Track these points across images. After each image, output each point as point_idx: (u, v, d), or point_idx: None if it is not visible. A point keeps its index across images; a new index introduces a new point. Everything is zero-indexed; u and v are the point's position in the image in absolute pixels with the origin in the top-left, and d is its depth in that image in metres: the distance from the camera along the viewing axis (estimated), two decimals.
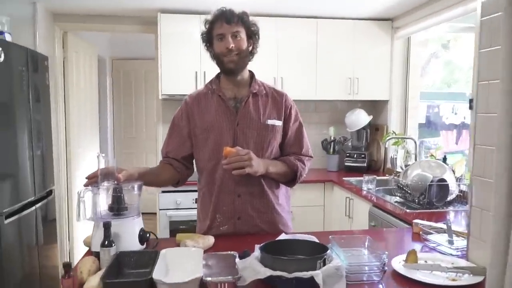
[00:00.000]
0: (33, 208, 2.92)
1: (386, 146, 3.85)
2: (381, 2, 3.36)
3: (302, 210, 3.56)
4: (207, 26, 1.80)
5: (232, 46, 1.72)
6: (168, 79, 3.63)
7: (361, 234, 1.93)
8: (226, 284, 1.29)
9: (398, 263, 1.55)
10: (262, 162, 1.74)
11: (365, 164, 3.95)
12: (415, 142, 3.38)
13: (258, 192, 1.83)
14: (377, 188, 3.12)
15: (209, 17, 1.80)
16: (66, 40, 3.99)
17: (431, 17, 3.30)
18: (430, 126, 4.66)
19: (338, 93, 3.90)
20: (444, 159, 2.97)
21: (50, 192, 3.27)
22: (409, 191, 2.67)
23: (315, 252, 1.44)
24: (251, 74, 1.90)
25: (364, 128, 4.01)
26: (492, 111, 1.48)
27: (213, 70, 1.91)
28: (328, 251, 1.46)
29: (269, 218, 1.87)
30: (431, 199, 2.56)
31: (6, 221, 2.55)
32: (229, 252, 1.50)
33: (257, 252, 1.47)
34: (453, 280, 1.44)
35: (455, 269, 1.50)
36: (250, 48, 1.82)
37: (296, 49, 3.80)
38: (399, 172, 3.03)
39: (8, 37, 2.86)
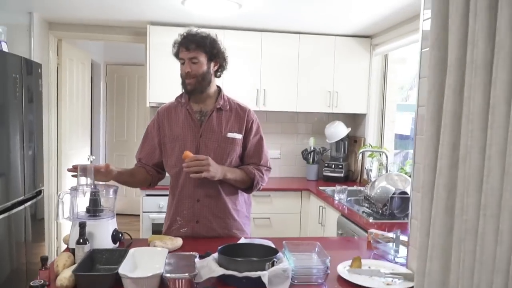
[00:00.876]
0: (23, 207, 3.10)
1: (360, 158, 4.05)
2: (360, 20, 3.55)
3: (280, 217, 3.75)
4: (174, 50, 2.00)
5: (188, 71, 1.93)
6: (155, 87, 3.81)
7: (317, 241, 2.10)
8: (183, 281, 1.47)
9: (343, 268, 1.74)
10: (220, 169, 1.92)
11: (342, 174, 4.14)
12: (386, 156, 3.57)
13: (216, 198, 2.01)
14: (348, 198, 3.31)
15: (175, 36, 1.99)
16: (60, 47, 4.18)
17: (407, 36, 3.50)
18: (413, 138, 4.83)
19: (318, 105, 4.09)
20: None
21: (39, 192, 3.45)
22: (373, 202, 2.86)
23: (267, 255, 1.63)
24: (219, 90, 2.09)
25: (342, 139, 4.20)
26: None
27: None
28: (279, 254, 1.65)
29: (225, 222, 2.04)
30: (393, 210, 2.75)
31: None
32: (191, 253, 1.68)
33: (216, 254, 1.66)
34: (388, 284, 1.63)
35: (391, 275, 1.69)
36: (216, 67, 2.01)
37: (279, 62, 3.99)
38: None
39: (4, 46, 3.03)
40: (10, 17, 3.52)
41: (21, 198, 3.07)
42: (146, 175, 2.10)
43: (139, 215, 3.70)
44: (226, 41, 3.89)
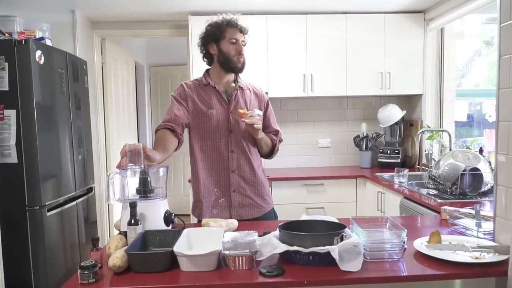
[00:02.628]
0: (74, 203, 3.08)
1: (419, 139, 3.77)
2: None
3: (334, 206, 3.55)
4: (218, 26, 2.10)
5: (242, 51, 2.12)
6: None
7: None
8: (244, 258, 1.33)
9: (420, 244, 1.54)
10: None
11: (399, 160, 3.88)
12: (449, 135, 3.30)
13: (248, 167, 2.16)
14: (409, 182, 3.06)
15: (215, 19, 2.13)
16: (104, 47, 4.19)
17: (464, 5, 3.23)
18: (472, 125, 4.50)
19: (369, 88, 3.87)
20: (481, 151, 2.88)
21: (90, 190, 3.44)
22: (440, 181, 2.61)
23: (333, 230, 1.45)
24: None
25: (397, 123, 3.94)
26: None
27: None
28: (346, 229, 1.47)
29: (257, 190, 2.19)
30: (464, 188, 2.49)
31: (49, 214, 2.71)
32: (249, 231, 1.54)
33: (276, 232, 1.50)
34: (476, 258, 1.42)
35: (479, 249, 1.47)
36: None
37: (326, 45, 3.81)
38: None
39: (48, 43, 3.04)
40: (54, 16, 3.55)
41: (72, 194, 3.06)
42: (174, 138, 2.03)
43: (189, 215, 3.60)
44: (270, 26, 3.78)
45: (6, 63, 2.56)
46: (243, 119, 1.98)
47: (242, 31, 2.12)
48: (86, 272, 1.25)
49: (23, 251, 2.62)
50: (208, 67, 2.22)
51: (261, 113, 2.16)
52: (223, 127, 2.10)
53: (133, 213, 1.53)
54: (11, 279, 2.56)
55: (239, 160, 2.13)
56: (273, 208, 2.30)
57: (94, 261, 1.29)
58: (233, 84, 2.19)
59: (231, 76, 2.19)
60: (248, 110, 2.05)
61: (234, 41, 2.09)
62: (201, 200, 2.12)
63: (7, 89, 2.57)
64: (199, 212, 2.14)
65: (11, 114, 2.58)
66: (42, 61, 2.70)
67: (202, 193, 2.12)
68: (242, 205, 2.14)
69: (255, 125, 2.00)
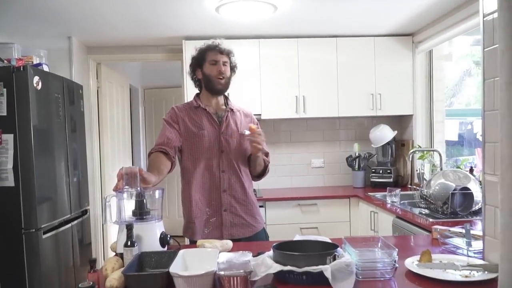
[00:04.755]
0: (69, 225, 3.09)
1: (410, 159, 3.83)
2: (400, 17, 3.41)
3: (328, 225, 3.58)
4: (200, 51, 2.21)
5: (223, 71, 2.16)
6: None
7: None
8: (238, 278, 1.35)
9: (411, 263, 1.57)
10: None
11: (391, 180, 3.93)
12: (440, 155, 3.36)
13: (239, 187, 2.20)
14: (402, 202, 3.11)
15: (201, 45, 2.23)
16: (99, 71, 4.26)
17: (452, 28, 3.34)
18: (463, 144, 4.57)
19: (361, 109, 3.94)
20: (471, 170, 2.93)
21: (85, 212, 3.45)
22: (432, 201, 2.65)
23: (326, 250, 1.48)
24: (225, 96, 2.32)
25: (389, 143, 4.01)
26: (498, 107, 1.51)
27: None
28: (339, 249, 1.51)
29: (248, 209, 2.23)
30: (455, 208, 2.53)
31: (44, 236, 2.72)
32: (243, 251, 1.56)
33: (270, 252, 1.53)
34: (466, 277, 1.45)
35: (469, 267, 1.51)
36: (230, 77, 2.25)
37: (317, 67, 3.90)
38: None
39: (46, 68, 3.10)
40: (50, 42, 3.62)
41: (67, 216, 3.07)
42: (167, 161, 2.07)
43: (183, 237, 3.60)
44: (262, 50, 3.87)
45: (5, 89, 2.61)
46: (249, 136, 2.06)
47: (222, 52, 2.18)
48: None
49: (19, 273, 2.62)
50: (198, 91, 2.30)
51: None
52: (214, 148, 2.15)
53: (129, 235, 1.56)
54: None
55: (230, 180, 2.17)
56: (264, 228, 2.33)
57: (92, 283, 1.31)
58: (224, 107, 2.26)
59: (221, 99, 2.26)
60: (236, 136, 2.16)
61: (214, 62, 2.16)
62: (193, 221, 2.15)
63: (5, 114, 2.61)
64: (192, 233, 2.16)
65: (8, 138, 2.61)
66: (39, 87, 2.75)
67: (195, 213, 2.15)
68: (234, 224, 2.17)
69: (261, 146, 2.07)
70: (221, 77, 2.16)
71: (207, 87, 2.21)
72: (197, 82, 2.27)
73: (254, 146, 2.06)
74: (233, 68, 2.26)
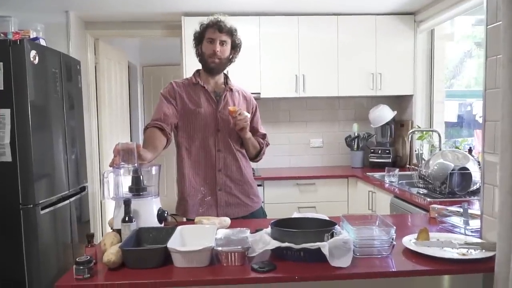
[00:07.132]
0: (67, 202, 3.09)
1: (409, 139, 3.82)
2: None
3: (326, 205, 3.58)
4: (201, 28, 2.14)
5: (218, 51, 2.08)
6: None
7: None
8: (236, 254, 1.36)
9: (408, 241, 1.58)
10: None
11: (390, 160, 3.93)
12: (439, 135, 3.35)
13: (234, 166, 2.17)
14: (400, 182, 3.11)
15: (205, 20, 2.14)
16: (97, 47, 4.20)
17: (454, 7, 3.28)
18: (462, 126, 4.55)
19: (361, 89, 3.91)
20: (470, 151, 2.93)
21: (83, 188, 3.45)
22: (430, 181, 2.65)
23: (324, 228, 1.49)
24: (225, 75, 2.27)
25: (388, 123, 3.99)
26: (499, 85, 1.49)
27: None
28: (337, 226, 1.51)
29: (244, 189, 2.21)
30: (453, 188, 2.53)
31: (42, 212, 2.72)
32: (241, 228, 1.56)
33: (268, 229, 1.53)
34: (463, 255, 1.46)
35: (466, 245, 1.51)
36: (231, 57, 2.19)
37: (318, 46, 3.85)
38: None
39: (42, 43, 3.05)
40: (48, 16, 3.55)
41: (65, 193, 3.07)
42: (163, 137, 2.05)
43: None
44: (262, 28, 3.81)
45: (1, 63, 2.57)
46: (234, 115, 2.03)
47: (220, 30, 2.08)
48: (81, 267, 1.28)
49: (16, 249, 2.63)
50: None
51: (248, 115, 2.16)
52: (211, 126, 2.12)
53: (127, 211, 1.55)
54: (4, 276, 2.58)
55: (225, 159, 2.15)
56: (261, 207, 2.32)
57: (89, 257, 1.31)
58: (223, 86, 2.22)
59: (220, 78, 2.22)
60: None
61: (210, 40, 2.10)
62: (186, 199, 2.13)
63: (2, 88, 2.58)
64: (184, 210, 2.15)
65: (5, 113, 2.59)
66: (36, 61, 2.71)
67: (188, 191, 2.13)
68: (229, 204, 2.15)
69: (243, 123, 2.05)
70: (214, 57, 2.09)
71: (202, 65, 2.18)
72: (199, 58, 2.21)
73: (240, 126, 2.06)
74: (235, 47, 2.18)
